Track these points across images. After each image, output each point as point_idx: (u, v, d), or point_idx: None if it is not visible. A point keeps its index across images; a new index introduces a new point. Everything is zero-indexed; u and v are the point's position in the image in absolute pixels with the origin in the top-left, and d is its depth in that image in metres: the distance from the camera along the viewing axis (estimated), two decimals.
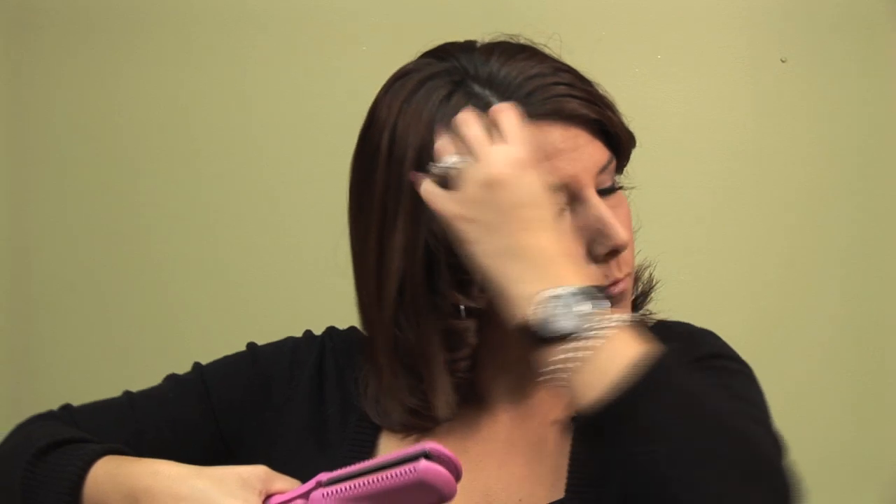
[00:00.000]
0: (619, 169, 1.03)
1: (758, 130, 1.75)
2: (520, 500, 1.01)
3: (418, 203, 0.94)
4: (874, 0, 1.91)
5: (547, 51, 1.01)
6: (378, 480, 0.86)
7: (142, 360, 1.89)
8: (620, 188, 1.01)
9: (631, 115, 1.04)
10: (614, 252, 0.97)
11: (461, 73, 0.97)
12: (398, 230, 0.97)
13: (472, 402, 1.04)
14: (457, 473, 0.86)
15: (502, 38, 1.01)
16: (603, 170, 0.98)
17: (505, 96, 0.95)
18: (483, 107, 0.94)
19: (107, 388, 1.89)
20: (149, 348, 1.88)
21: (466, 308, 0.97)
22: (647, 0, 1.83)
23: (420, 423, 1.02)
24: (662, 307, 1.12)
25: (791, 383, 1.79)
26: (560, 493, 0.99)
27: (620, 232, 0.96)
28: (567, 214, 0.96)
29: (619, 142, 0.99)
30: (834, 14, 1.90)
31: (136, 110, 1.89)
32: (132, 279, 1.89)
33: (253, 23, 1.88)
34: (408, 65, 1.01)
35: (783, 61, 1.86)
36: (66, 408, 1.14)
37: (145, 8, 1.89)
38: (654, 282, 1.08)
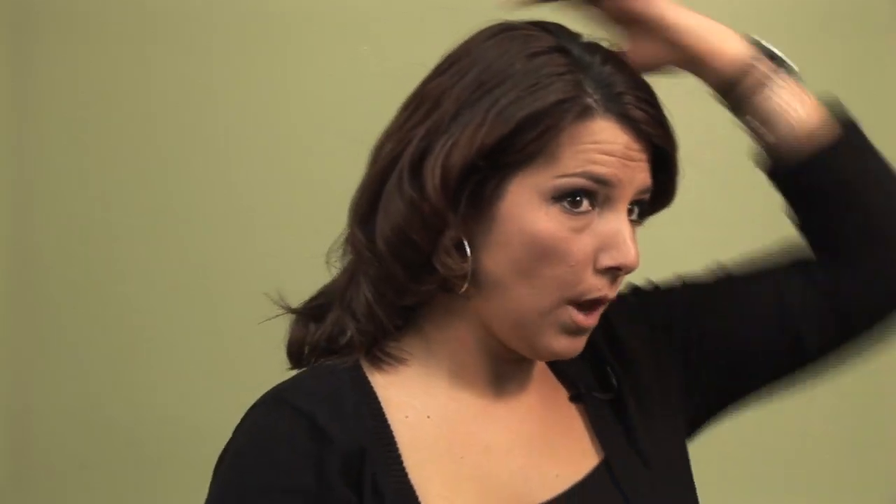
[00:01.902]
0: (644, 210, 1.04)
1: None
2: (556, 475, 1.03)
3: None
4: (874, 0, 1.91)
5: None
6: None
7: (142, 360, 1.89)
8: (638, 223, 1.03)
9: None
10: (617, 269, 0.98)
11: (565, 50, 1.00)
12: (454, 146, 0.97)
13: (471, 392, 1.04)
14: None
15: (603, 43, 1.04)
16: (642, 193, 1.00)
17: (597, 84, 0.98)
18: (576, 78, 0.97)
19: (108, 387, 1.90)
20: (149, 348, 1.89)
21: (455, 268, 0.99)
22: None
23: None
24: None
25: None
26: (594, 460, 1.04)
27: (632, 253, 0.98)
28: (596, 213, 0.98)
29: (660, 180, 1.02)
30: (834, 14, 1.90)
31: (137, 110, 1.89)
32: (133, 279, 1.89)
33: (253, 23, 1.88)
34: (514, 23, 1.03)
35: None
36: None
37: (146, 8, 1.89)
38: None
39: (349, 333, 1.03)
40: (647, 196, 1.01)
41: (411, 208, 0.97)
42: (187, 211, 1.88)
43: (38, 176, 1.91)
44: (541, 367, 1.10)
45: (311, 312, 1.08)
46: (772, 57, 1.09)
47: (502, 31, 1.01)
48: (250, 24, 1.88)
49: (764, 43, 1.11)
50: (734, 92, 1.09)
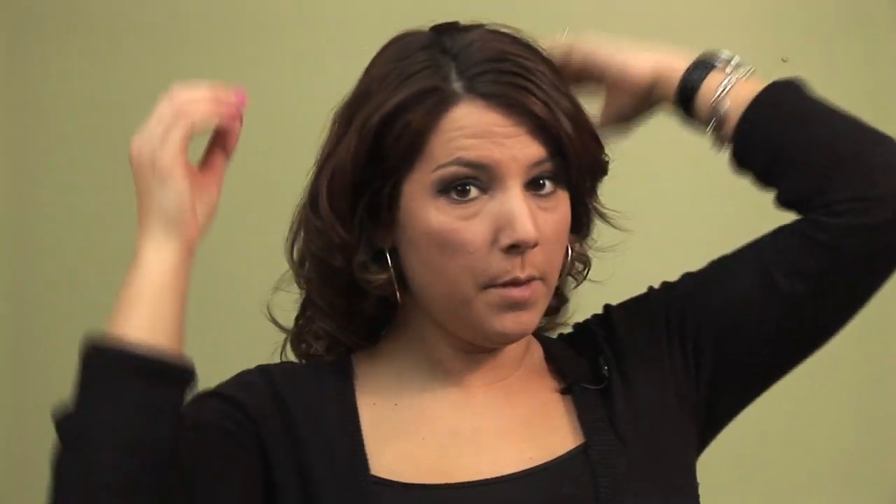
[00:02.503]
0: (579, 181, 1.03)
1: None
2: (530, 457, 1.03)
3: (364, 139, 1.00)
4: (874, 0, 1.91)
5: (540, 45, 1.05)
6: None
7: None
8: (558, 192, 1.02)
9: None
10: (515, 247, 0.98)
11: (439, 43, 1.01)
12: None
13: (446, 383, 1.06)
14: None
15: (502, 25, 1.04)
16: (535, 166, 0.99)
17: (460, 69, 0.99)
18: (437, 71, 0.99)
19: None
20: None
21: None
22: (646, 1, 1.83)
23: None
24: None
25: (791, 383, 1.79)
26: (570, 446, 1.04)
27: (526, 226, 0.97)
28: (487, 197, 0.98)
29: (562, 146, 1.00)
30: (834, 14, 1.90)
31: (137, 110, 1.88)
32: None
33: (253, 23, 1.88)
34: (401, 33, 1.06)
35: (784, 61, 1.86)
36: None
37: (146, 9, 1.89)
38: (567, 300, 1.12)
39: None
40: (545, 167, 1.00)
41: (318, 235, 1.03)
42: None
43: (38, 176, 1.91)
44: (534, 358, 1.11)
45: (302, 331, 1.11)
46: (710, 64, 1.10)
47: (389, 43, 1.04)
48: (249, 24, 1.88)
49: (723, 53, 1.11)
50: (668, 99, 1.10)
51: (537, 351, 1.12)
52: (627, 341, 1.10)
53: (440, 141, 0.98)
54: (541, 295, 1.02)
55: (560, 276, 1.06)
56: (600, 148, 1.05)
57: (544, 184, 1.00)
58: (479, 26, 1.03)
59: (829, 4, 1.91)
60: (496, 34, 1.02)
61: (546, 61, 1.02)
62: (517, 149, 0.98)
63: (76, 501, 0.90)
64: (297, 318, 1.11)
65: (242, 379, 1.07)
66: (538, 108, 0.98)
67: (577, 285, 1.12)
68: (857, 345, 1.85)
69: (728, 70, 1.09)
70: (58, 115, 1.90)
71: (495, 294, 0.99)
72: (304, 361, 1.12)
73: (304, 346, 1.11)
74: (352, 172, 1.00)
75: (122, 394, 0.91)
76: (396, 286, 1.03)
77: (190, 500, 0.94)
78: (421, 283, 1.02)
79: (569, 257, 1.06)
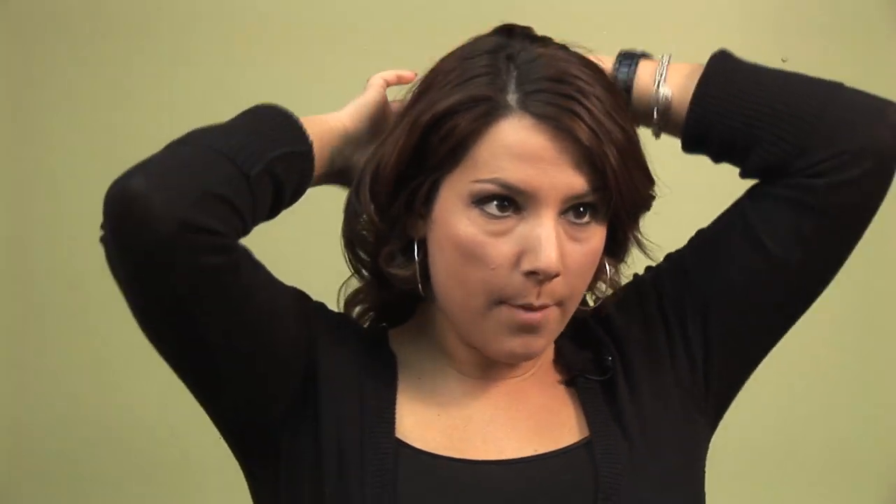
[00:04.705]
0: (619, 214, 1.02)
1: None
2: (535, 448, 1.05)
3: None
4: (874, 0, 1.91)
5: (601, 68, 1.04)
6: None
7: (144, 360, 1.89)
8: (594, 224, 1.00)
9: None
10: (535, 274, 0.97)
11: (507, 47, 1.00)
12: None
13: (463, 374, 1.08)
14: None
15: (575, 44, 1.04)
16: (575, 198, 0.98)
17: (519, 82, 0.98)
18: (496, 79, 0.98)
19: (108, 387, 1.90)
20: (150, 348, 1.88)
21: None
22: (646, 0, 1.83)
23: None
24: None
25: (791, 383, 1.79)
26: (575, 438, 1.05)
27: (550, 257, 0.96)
28: (519, 217, 0.98)
29: (606, 180, 0.98)
30: (834, 14, 1.90)
31: (138, 110, 1.89)
32: None
33: (253, 23, 1.88)
34: (485, 34, 1.05)
35: (783, 61, 1.86)
36: None
37: (147, 9, 1.89)
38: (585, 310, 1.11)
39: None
40: (587, 199, 0.98)
41: (355, 220, 1.05)
42: None
43: (38, 175, 1.91)
44: (546, 354, 1.11)
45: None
46: (635, 56, 1.10)
47: (465, 44, 1.03)
48: (251, 25, 1.88)
49: (627, 50, 1.11)
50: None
51: (549, 347, 1.11)
52: (626, 334, 1.11)
53: (483, 152, 0.97)
54: (554, 320, 1.01)
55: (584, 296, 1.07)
56: (648, 182, 1.03)
57: (583, 212, 0.99)
58: (550, 40, 1.03)
59: (829, 4, 1.91)
60: (565, 52, 1.01)
61: (609, 87, 1.00)
62: (559, 178, 0.97)
63: (171, 147, 0.97)
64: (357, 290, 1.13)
65: (310, 301, 1.09)
66: (585, 136, 0.96)
67: (597, 301, 1.11)
68: (857, 344, 1.86)
69: (656, 58, 1.09)
70: (57, 115, 1.90)
71: (507, 312, 0.99)
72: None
73: (352, 307, 1.13)
74: (395, 165, 1.00)
75: (276, 134, 1.00)
76: (420, 280, 1.03)
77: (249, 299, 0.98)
78: (440, 282, 1.02)
79: (598, 280, 1.07)
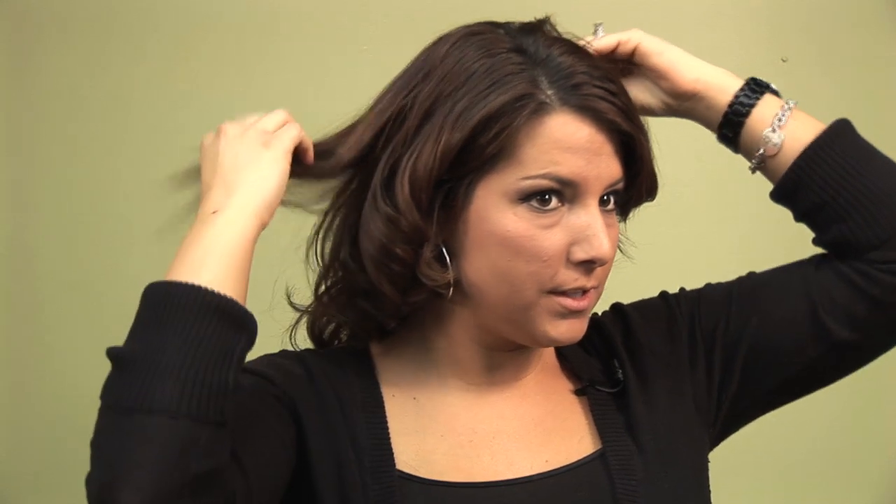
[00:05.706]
0: (627, 201, 1.05)
1: None
2: (546, 460, 1.04)
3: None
4: (874, 0, 1.91)
5: (587, 41, 1.07)
6: None
7: None
8: (610, 212, 1.03)
9: None
10: (590, 262, 0.99)
11: (520, 43, 1.00)
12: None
13: (463, 381, 1.07)
14: None
15: (566, 35, 1.05)
16: (612, 185, 1.01)
17: (551, 78, 0.98)
18: (530, 75, 0.98)
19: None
20: None
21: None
22: (646, 0, 1.83)
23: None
24: None
25: None
26: (590, 450, 1.05)
27: (605, 245, 0.99)
28: (566, 209, 0.99)
29: (635, 168, 1.02)
30: (834, 14, 1.90)
31: (138, 110, 1.89)
32: (134, 278, 1.88)
33: (253, 23, 1.88)
34: (473, 26, 1.04)
35: (783, 61, 1.86)
36: None
37: (147, 9, 1.89)
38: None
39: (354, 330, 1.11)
40: (619, 186, 1.01)
41: (389, 225, 1.00)
42: (187, 210, 1.87)
43: (38, 175, 1.91)
44: (547, 358, 1.12)
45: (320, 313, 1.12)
46: (762, 88, 1.11)
47: (461, 37, 1.02)
48: (250, 24, 1.88)
49: (758, 79, 1.12)
50: (729, 122, 1.10)
51: (549, 350, 1.12)
52: (646, 345, 1.11)
53: (533, 150, 0.98)
54: (593, 304, 1.04)
55: None
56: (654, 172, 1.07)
57: (609, 200, 1.02)
58: (549, 33, 1.03)
59: (829, 4, 1.91)
60: (574, 45, 1.02)
61: (618, 77, 1.04)
62: (602, 167, 0.99)
63: (126, 423, 0.86)
64: (320, 296, 1.10)
65: (271, 360, 1.07)
66: (626, 124, 0.99)
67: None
68: None
69: (781, 100, 1.10)
70: (57, 115, 1.90)
71: (556, 301, 1.00)
72: (317, 348, 1.13)
73: (318, 328, 1.11)
74: (439, 166, 0.99)
75: (197, 330, 0.89)
76: (454, 285, 1.02)
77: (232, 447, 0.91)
78: (479, 281, 1.01)
79: None
